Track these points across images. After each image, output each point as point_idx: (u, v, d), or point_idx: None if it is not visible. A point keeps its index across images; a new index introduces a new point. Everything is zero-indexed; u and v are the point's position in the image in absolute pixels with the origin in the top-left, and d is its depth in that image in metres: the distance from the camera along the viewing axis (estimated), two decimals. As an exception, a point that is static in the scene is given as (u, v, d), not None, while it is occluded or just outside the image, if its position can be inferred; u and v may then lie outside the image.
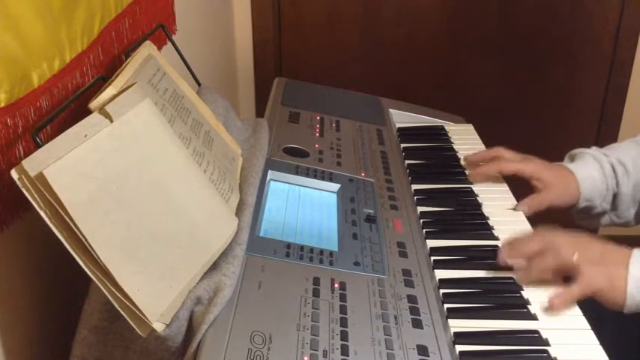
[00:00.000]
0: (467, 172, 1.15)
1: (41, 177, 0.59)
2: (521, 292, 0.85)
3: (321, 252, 0.83)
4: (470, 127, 1.35)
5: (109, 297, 0.65)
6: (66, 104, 0.75)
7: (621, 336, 0.96)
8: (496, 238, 0.96)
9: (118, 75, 0.76)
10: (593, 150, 1.12)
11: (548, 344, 0.76)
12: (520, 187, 1.10)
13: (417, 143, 1.25)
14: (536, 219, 1.04)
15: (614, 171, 1.08)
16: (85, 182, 0.62)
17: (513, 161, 1.10)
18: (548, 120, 2.17)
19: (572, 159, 1.13)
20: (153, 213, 0.69)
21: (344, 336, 0.70)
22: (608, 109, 2.13)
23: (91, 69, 0.86)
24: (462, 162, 1.18)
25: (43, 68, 0.74)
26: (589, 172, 1.08)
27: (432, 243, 0.94)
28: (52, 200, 0.60)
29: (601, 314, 0.85)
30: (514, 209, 1.05)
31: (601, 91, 2.12)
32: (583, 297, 0.84)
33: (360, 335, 0.71)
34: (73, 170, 0.61)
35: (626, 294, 0.84)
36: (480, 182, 1.11)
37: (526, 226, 1.00)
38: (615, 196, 1.09)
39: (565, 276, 0.86)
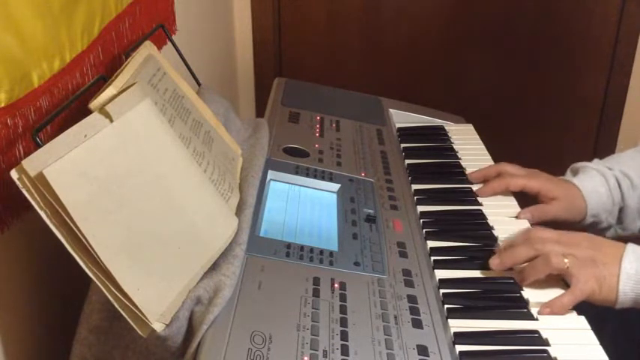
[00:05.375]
0: (469, 177, 1.13)
1: (41, 177, 0.59)
2: (521, 292, 0.85)
3: (321, 252, 0.83)
4: (470, 127, 1.35)
5: (109, 297, 0.65)
6: (66, 104, 0.75)
7: (621, 336, 0.96)
8: (496, 239, 0.96)
9: (118, 75, 0.76)
10: (596, 164, 1.10)
11: (548, 344, 0.76)
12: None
13: (417, 143, 1.25)
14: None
15: (619, 185, 1.07)
16: (85, 182, 0.62)
17: (519, 176, 1.08)
18: (548, 120, 2.17)
19: (575, 173, 1.11)
20: (153, 213, 0.69)
21: (344, 336, 0.70)
22: (608, 109, 2.13)
23: (91, 69, 0.86)
24: (464, 163, 1.18)
25: (43, 68, 0.74)
26: (595, 188, 1.06)
27: (432, 243, 0.94)
28: (52, 200, 0.60)
29: (601, 314, 0.85)
30: (516, 217, 1.03)
31: (601, 91, 2.12)
32: (576, 303, 0.84)
33: (360, 335, 0.71)
34: (73, 170, 0.61)
35: (618, 291, 0.84)
36: (487, 197, 1.08)
37: (526, 227, 1.00)
38: (621, 209, 1.08)
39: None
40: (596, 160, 1.12)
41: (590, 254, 0.86)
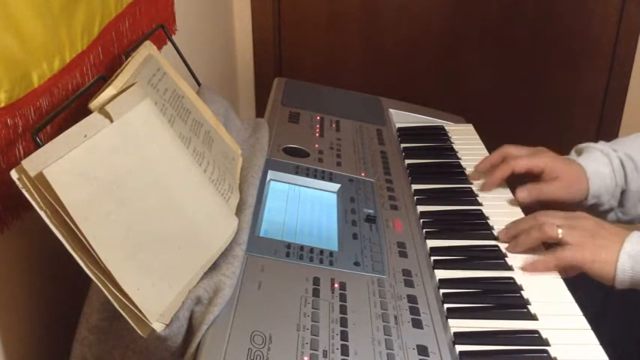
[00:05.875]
0: (469, 173, 1.13)
1: (41, 177, 0.59)
2: (522, 292, 0.85)
3: (321, 252, 0.83)
4: (470, 127, 1.35)
5: (109, 297, 0.65)
6: (66, 104, 0.75)
7: (621, 336, 0.96)
8: (496, 238, 0.96)
9: (118, 75, 0.76)
10: (601, 145, 1.09)
11: (548, 344, 0.76)
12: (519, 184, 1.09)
13: (417, 143, 1.25)
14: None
15: (623, 167, 1.06)
16: (85, 182, 0.62)
17: (523, 157, 1.06)
18: (548, 120, 2.17)
19: (579, 153, 1.10)
20: (153, 213, 0.69)
21: (344, 336, 0.70)
22: (608, 109, 2.13)
23: (91, 69, 0.86)
24: (464, 163, 1.18)
25: (43, 68, 0.74)
26: (598, 168, 1.05)
27: (432, 243, 0.94)
28: (52, 200, 0.60)
29: (601, 313, 0.85)
30: (514, 197, 1.04)
31: (601, 91, 2.12)
32: (560, 264, 0.87)
33: (360, 335, 0.71)
34: (73, 170, 0.61)
35: (616, 269, 0.85)
36: (495, 188, 1.08)
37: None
38: (623, 192, 1.07)
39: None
40: (601, 142, 1.11)
41: (592, 228, 0.88)
